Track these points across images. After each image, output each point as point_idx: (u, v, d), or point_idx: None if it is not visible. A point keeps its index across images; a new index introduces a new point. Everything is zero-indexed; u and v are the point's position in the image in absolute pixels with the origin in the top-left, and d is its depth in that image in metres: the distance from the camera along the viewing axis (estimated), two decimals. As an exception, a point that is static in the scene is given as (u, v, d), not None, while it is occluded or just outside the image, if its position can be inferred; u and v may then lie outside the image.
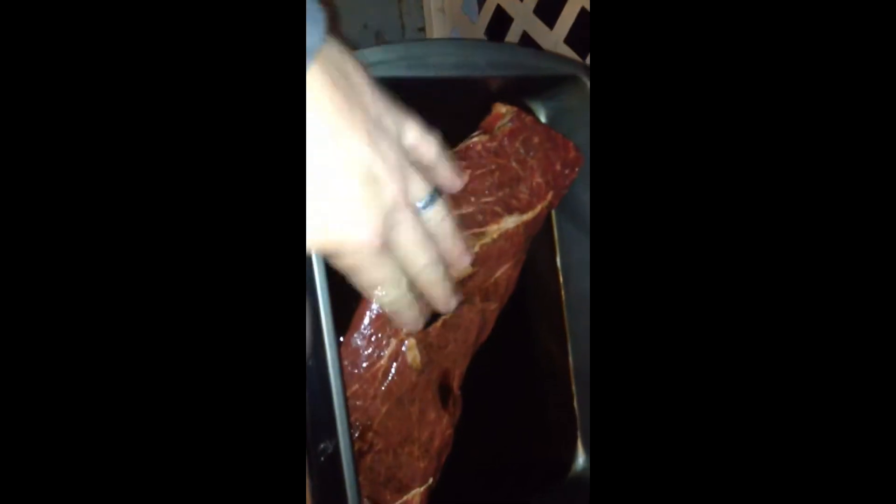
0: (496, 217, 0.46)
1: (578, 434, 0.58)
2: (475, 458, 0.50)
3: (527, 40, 0.59)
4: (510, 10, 0.60)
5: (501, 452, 0.54)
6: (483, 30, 0.64)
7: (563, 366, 0.57)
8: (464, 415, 0.49)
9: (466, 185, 0.45)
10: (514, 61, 0.44)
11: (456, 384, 0.48)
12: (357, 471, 0.41)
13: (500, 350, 0.51)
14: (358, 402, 0.43)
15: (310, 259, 0.37)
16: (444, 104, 0.48)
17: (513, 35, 0.60)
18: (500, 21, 0.60)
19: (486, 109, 0.49)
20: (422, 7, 0.83)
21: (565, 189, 0.51)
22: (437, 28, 0.73)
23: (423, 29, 0.77)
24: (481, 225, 0.46)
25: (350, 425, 0.41)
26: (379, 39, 0.75)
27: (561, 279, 0.56)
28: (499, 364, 0.52)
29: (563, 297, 0.57)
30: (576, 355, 0.57)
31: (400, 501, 0.44)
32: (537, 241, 0.55)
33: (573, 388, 0.57)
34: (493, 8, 0.62)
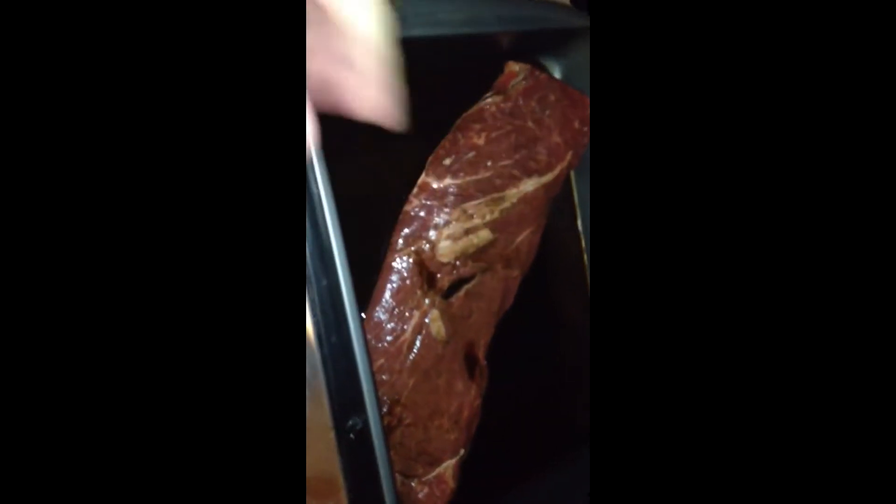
0: (514, 180, 0.45)
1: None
2: (501, 427, 0.49)
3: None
4: None
5: (526, 420, 0.53)
6: None
7: (586, 332, 0.56)
8: (490, 384, 0.48)
9: (482, 150, 0.44)
10: (522, 15, 0.42)
11: (482, 354, 0.47)
12: (388, 446, 0.40)
13: (524, 318, 0.50)
14: (384, 377, 0.42)
15: (329, 233, 0.36)
16: (455, 66, 0.46)
17: None
18: None
19: (499, 70, 0.47)
20: None
21: (584, 147, 0.49)
22: None
23: None
24: (499, 189, 0.44)
25: (378, 400, 0.40)
26: None
27: (583, 243, 0.55)
28: (523, 332, 0.51)
29: (586, 262, 0.55)
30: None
31: (433, 474, 0.43)
32: (558, 207, 0.53)
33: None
34: None
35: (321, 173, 0.37)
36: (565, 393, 0.56)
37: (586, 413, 0.56)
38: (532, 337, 0.52)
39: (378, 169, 0.43)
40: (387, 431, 0.41)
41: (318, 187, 0.37)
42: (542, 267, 0.51)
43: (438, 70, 0.45)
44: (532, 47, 0.48)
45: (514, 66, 0.46)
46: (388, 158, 0.43)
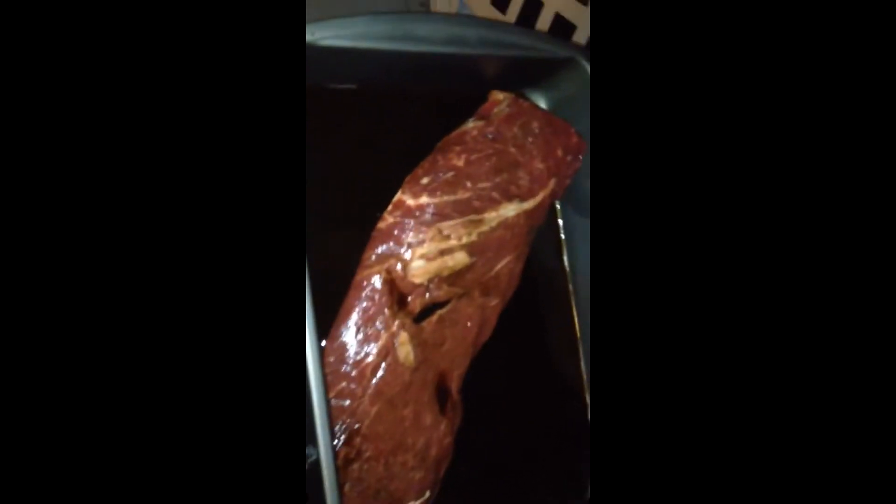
0: (494, 203, 0.44)
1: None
2: (476, 471, 0.46)
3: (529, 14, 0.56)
4: None
5: (505, 467, 0.49)
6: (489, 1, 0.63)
7: (574, 373, 0.52)
8: (465, 425, 0.45)
9: (461, 170, 0.43)
10: (507, 40, 0.42)
11: (455, 387, 0.44)
12: (340, 481, 0.37)
13: (504, 353, 0.48)
14: (345, 403, 0.39)
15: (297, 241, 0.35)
16: (438, 91, 0.46)
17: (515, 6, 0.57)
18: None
19: (483, 98, 0.47)
20: None
21: (569, 178, 0.48)
22: (441, 4, 0.73)
23: (425, 4, 0.77)
24: (478, 211, 0.43)
25: (332, 431, 0.37)
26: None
27: (569, 279, 0.53)
28: (503, 369, 0.48)
29: (572, 299, 0.53)
30: (587, 363, 0.53)
31: (393, 515, 0.40)
32: (543, 239, 0.51)
33: (586, 397, 0.52)
34: None
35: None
36: (550, 441, 0.52)
37: (574, 465, 0.52)
38: (514, 375, 0.49)
39: (354, 185, 0.42)
40: (344, 464, 0.38)
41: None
42: (526, 300, 0.49)
43: (420, 92, 0.45)
44: (517, 77, 0.48)
45: (498, 95, 0.46)
46: (364, 175, 0.42)
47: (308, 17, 0.35)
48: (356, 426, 0.39)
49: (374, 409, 0.39)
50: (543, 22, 0.54)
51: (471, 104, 0.46)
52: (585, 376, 0.52)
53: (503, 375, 0.48)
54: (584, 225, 0.51)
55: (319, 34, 0.33)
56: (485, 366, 0.46)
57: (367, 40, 0.36)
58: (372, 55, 0.37)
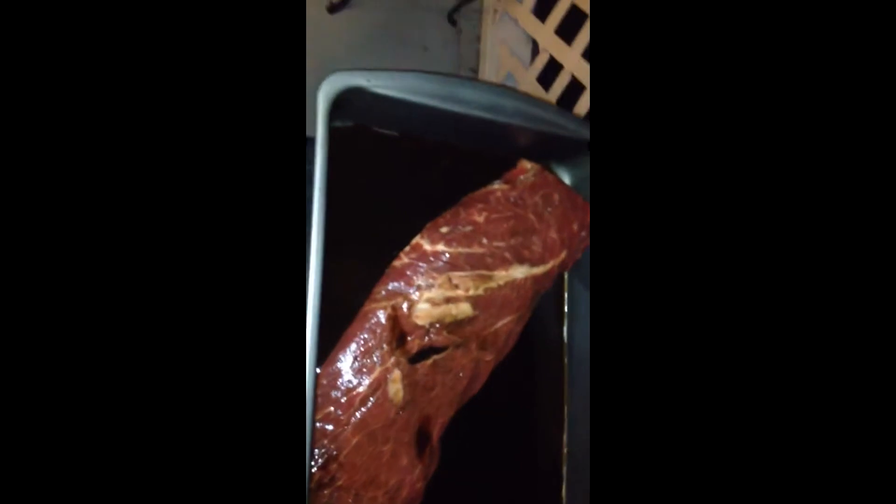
0: (505, 263, 0.46)
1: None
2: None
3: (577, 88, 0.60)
4: (560, 56, 0.62)
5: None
6: (536, 75, 0.67)
7: (554, 445, 0.53)
8: (438, 473, 0.45)
9: (479, 226, 0.45)
10: (541, 116, 0.45)
11: (436, 434, 0.44)
12: (313, 499, 0.37)
13: (489, 411, 0.48)
14: (328, 427, 0.40)
15: (310, 267, 0.37)
16: (471, 150, 0.49)
17: (562, 81, 0.61)
18: (553, 68, 0.62)
19: (512, 164, 0.50)
20: (477, 49, 0.90)
21: (580, 252, 0.50)
22: (490, 71, 0.78)
23: (475, 70, 0.82)
24: (489, 268, 0.45)
25: (313, 451, 0.38)
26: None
27: (565, 351, 0.54)
28: (485, 426, 0.49)
29: (566, 371, 0.54)
30: (571, 438, 0.53)
31: (352, 551, 0.39)
32: (546, 308, 0.53)
33: (563, 471, 0.52)
34: (546, 58, 0.65)
35: (320, 208, 0.38)
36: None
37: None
38: (494, 435, 0.50)
39: (378, 222, 0.45)
40: (316, 487, 0.39)
41: (314, 220, 0.38)
42: (519, 363, 0.50)
43: (454, 148, 0.48)
44: (546, 150, 0.51)
45: (526, 164, 0.49)
46: (390, 215, 0.45)
47: (368, 63, 0.39)
48: (335, 452, 0.40)
49: (354, 440, 0.40)
50: (582, 105, 0.58)
51: (499, 167, 0.49)
52: (566, 450, 0.53)
53: (484, 433, 0.49)
54: (588, 299, 0.53)
55: (374, 82, 0.37)
56: (468, 419, 0.46)
57: (415, 94, 0.39)
58: (417, 108, 0.40)
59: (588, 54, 0.57)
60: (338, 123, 0.38)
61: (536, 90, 0.70)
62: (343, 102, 0.37)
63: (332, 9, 0.88)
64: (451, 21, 0.95)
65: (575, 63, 0.58)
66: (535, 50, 0.81)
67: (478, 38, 0.96)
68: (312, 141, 0.39)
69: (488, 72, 0.88)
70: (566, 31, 0.64)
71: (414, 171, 0.46)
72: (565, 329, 0.54)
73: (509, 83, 0.84)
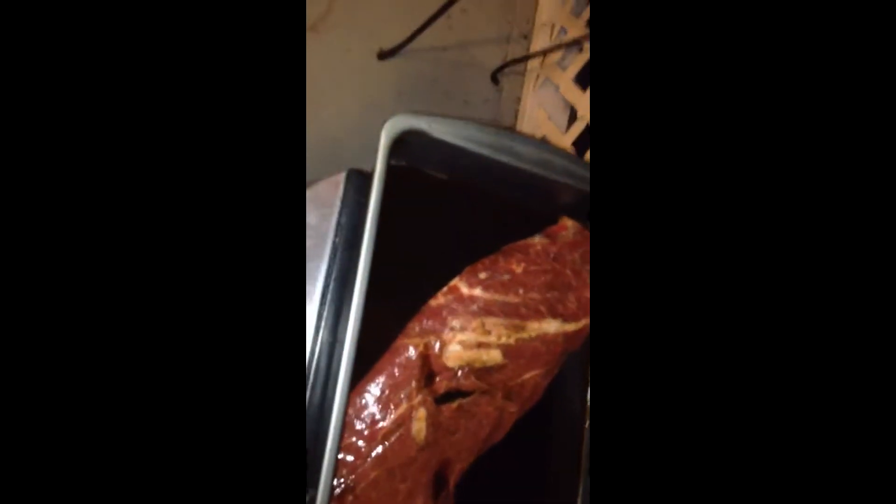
0: (538, 315, 0.46)
1: None
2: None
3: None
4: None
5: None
6: (571, 141, 0.69)
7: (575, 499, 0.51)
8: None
9: (517, 276, 0.46)
10: (586, 175, 0.47)
11: (453, 479, 0.44)
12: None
13: (507, 463, 0.48)
14: (349, 458, 0.40)
15: (353, 295, 0.38)
16: (517, 202, 0.51)
17: None
18: (588, 137, 0.64)
19: (554, 221, 0.51)
20: (516, 109, 0.94)
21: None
22: (528, 126, 0.80)
23: (512, 128, 0.85)
24: (522, 318, 0.46)
25: (333, 479, 0.38)
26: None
27: (588, 414, 0.53)
28: (502, 478, 0.48)
29: (586, 435, 0.53)
30: (585, 499, 0.52)
31: (358, 590, 0.39)
32: (574, 368, 0.53)
33: (576, 536, 0.51)
34: (583, 127, 0.67)
35: (370, 238, 0.39)
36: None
37: None
38: (511, 488, 0.49)
39: (419, 260, 0.46)
40: (329, 518, 0.38)
41: (363, 250, 0.39)
42: (542, 419, 0.50)
43: (500, 199, 0.49)
44: (587, 211, 0.52)
45: (567, 221, 0.50)
46: (431, 254, 0.46)
47: (419, 108, 0.41)
48: (352, 485, 0.39)
49: (373, 474, 0.40)
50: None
51: (541, 222, 0.50)
52: (580, 513, 0.51)
53: (501, 485, 0.48)
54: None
55: (435, 126, 0.39)
56: (486, 468, 0.46)
57: (470, 143, 0.41)
58: (470, 156, 0.42)
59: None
60: (393, 162, 0.40)
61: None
62: (401, 143, 0.39)
63: (382, 56, 0.92)
64: (494, 80, 0.99)
65: (568, 87, 0.60)
66: (573, 117, 0.84)
67: (518, 100, 1.00)
68: (370, 175, 0.40)
69: (526, 126, 0.91)
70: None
71: (459, 216, 0.47)
72: (590, 392, 0.54)
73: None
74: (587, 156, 0.67)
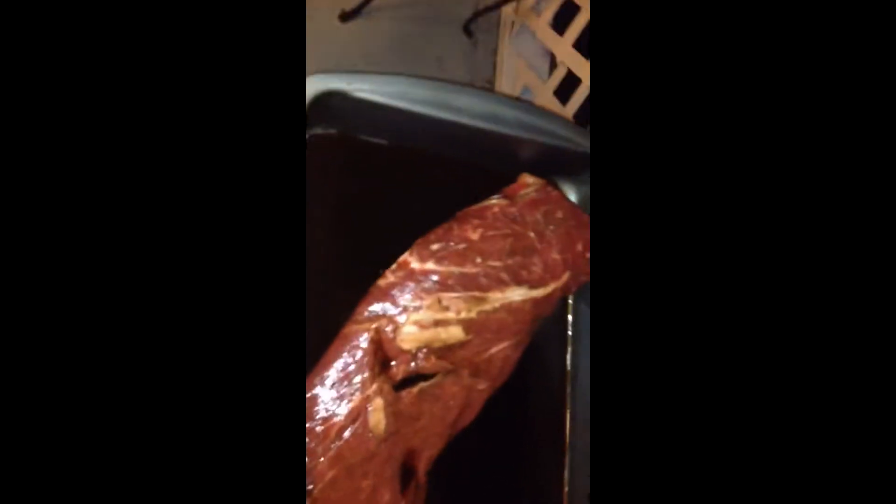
0: (501, 284, 0.42)
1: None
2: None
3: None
4: (577, 70, 0.60)
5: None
6: (553, 89, 0.65)
7: (556, 484, 0.49)
8: (426, 512, 0.41)
9: (474, 244, 0.42)
10: (544, 127, 0.42)
11: (422, 469, 0.41)
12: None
13: (482, 445, 0.45)
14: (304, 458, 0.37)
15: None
16: (468, 162, 0.46)
17: (580, 95, 0.59)
18: (571, 81, 0.61)
19: (512, 179, 0.47)
20: (493, 62, 0.88)
21: (585, 275, 0.46)
22: (506, 84, 0.75)
23: (491, 82, 0.80)
24: (483, 289, 0.42)
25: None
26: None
27: (569, 380, 0.50)
28: (478, 461, 0.45)
29: (568, 402, 0.50)
30: (573, 474, 0.49)
31: None
32: (548, 334, 0.49)
33: (565, 511, 0.48)
34: (564, 72, 0.64)
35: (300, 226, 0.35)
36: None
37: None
38: (488, 471, 0.46)
39: (364, 237, 0.42)
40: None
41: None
42: (517, 393, 0.46)
43: (449, 160, 0.45)
44: (550, 165, 0.47)
45: (527, 178, 0.46)
46: (377, 229, 0.42)
47: (389, 68, 0.36)
48: (309, 487, 0.37)
49: (330, 474, 0.37)
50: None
51: (499, 182, 0.46)
52: (567, 488, 0.49)
53: (476, 469, 0.45)
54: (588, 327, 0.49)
55: (356, 86, 0.34)
56: (459, 453, 0.43)
57: (403, 100, 0.36)
58: (406, 116, 0.37)
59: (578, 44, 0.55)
60: (319, 130, 0.35)
61: (553, 104, 0.67)
62: (324, 107, 0.34)
63: (345, 17, 0.87)
64: (468, 32, 0.93)
65: (568, 55, 0.56)
66: (553, 63, 0.79)
67: (494, 51, 0.94)
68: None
69: (504, 85, 0.86)
70: (585, 45, 0.62)
71: (404, 184, 0.43)
72: (568, 357, 0.50)
73: (525, 97, 0.82)
74: (570, 104, 0.62)
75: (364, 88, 0.35)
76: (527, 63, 0.82)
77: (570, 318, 0.50)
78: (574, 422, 0.50)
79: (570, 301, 0.50)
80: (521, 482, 0.47)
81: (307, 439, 0.37)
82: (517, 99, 0.42)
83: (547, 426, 0.49)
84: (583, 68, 0.59)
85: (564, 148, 0.44)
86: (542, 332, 0.47)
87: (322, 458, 0.37)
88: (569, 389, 0.50)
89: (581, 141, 0.44)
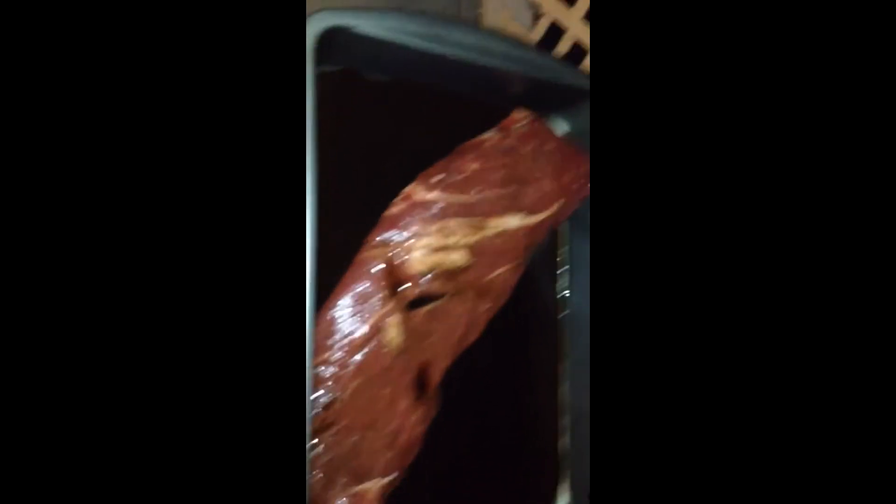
0: (498, 212, 0.46)
1: (560, 475, 0.53)
2: (442, 469, 0.46)
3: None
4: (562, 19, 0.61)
5: (474, 477, 0.49)
6: (537, 40, 0.66)
7: (549, 398, 0.53)
8: (437, 421, 0.46)
9: (472, 175, 0.45)
10: (535, 62, 0.45)
11: (434, 380, 0.45)
12: (314, 440, 0.38)
13: (486, 361, 0.49)
14: (328, 371, 0.41)
15: (305, 217, 0.37)
16: (465, 99, 0.49)
17: (564, 46, 0.61)
18: (555, 33, 0.62)
19: (508, 113, 0.50)
20: (476, 14, 0.89)
21: (575, 205, 0.50)
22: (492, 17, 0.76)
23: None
24: (483, 216, 0.45)
25: (313, 396, 0.39)
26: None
27: (561, 306, 0.54)
28: (483, 376, 0.49)
29: (561, 327, 0.54)
30: (573, 389, 0.54)
31: (356, 489, 0.40)
32: (542, 262, 0.53)
33: (564, 422, 0.53)
34: (548, 23, 0.64)
35: (312, 155, 0.38)
36: (520, 459, 0.52)
37: (539, 484, 0.53)
38: (492, 385, 0.50)
39: (370, 171, 0.45)
40: (318, 430, 0.40)
41: (307, 169, 0.38)
42: (515, 317, 0.50)
43: (447, 97, 0.48)
44: (542, 100, 0.50)
45: (519, 113, 0.49)
46: (382, 163, 0.45)
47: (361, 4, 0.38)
48: (335, 396, 0.41)
49: (354, 383, 0.41)
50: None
51: (495, 117, 0.49)
52: (560, 401, 0.53)
53: (482, 383, 0.49)
54: (584, 254, 0.53)
55: (360, 21, 0.37)
56: (466, 369, 0.47)
57: (402, 35, 0.39)
58: (405, 51, 0.40)
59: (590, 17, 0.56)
60: (325, 68, 0.38)
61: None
62: (328, 44, 0.37)
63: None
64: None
65: (577, 27, 0.58)
66: (537, 14, 0.80)
67: (479, 2, 0.95)
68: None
69: (490, 17, 0.86)
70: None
71: (406, 120, 0.46)
72: (561, 284, 0.54)
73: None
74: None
75: (368, 24, 0.37)
76: (511, 14, 0.83)
77: (565, 247, 0.54)
78: (570, 340, 0.54)
79: (565, 229, 0.54)
80: (520, 395, 0.51)
81: (331, 353, 0.41)
82: (505, 34, 0.45)
83: (542, 347, 0.53)
84: (566, 17, 0.61)
85: (555, 83, 0.47)
86: (537, 262, 0.51)
87: (346, 370, 0.41)
88: (561, 315, 0.54)
89: (570, 75, 0.47)
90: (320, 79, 0.37)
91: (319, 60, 0.37)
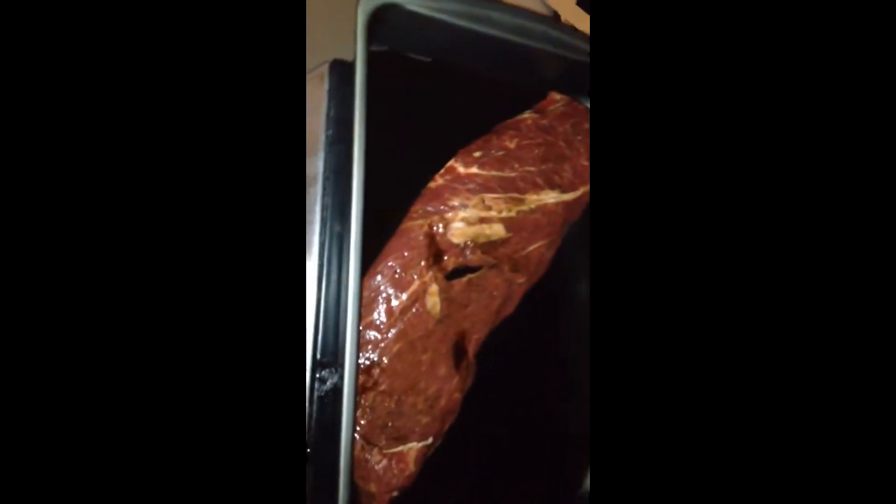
0: (536, 188, 0.47)
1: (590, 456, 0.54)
2: (477, 437, 0.47)
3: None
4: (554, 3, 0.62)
5: (506, 454, 0.50)
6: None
7: (581, 372, 0.54)
8: (474, 390, 0.47)
9: (511, 152, 0.47)
10: (568, 42, 0.46)
11: (472, 349, 0.46)
12: (356, 402, 0.40)
13: (521, 334, 0.50)
14: (371, 335, 0.42)
15: (352, 187, 0.39)
16: (505, 81, 0.51)
17: None
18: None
19: (545, 97, 0.51)
20: None
21: (609, 183, 0.51)
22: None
23: None
24: (520, 191, 0.47)
25: (357, 357, 0.40)
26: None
27: (588, 282, 0.55)
28: (519, 350, 0.50)
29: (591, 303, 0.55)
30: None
31: (395, 450, 0.42)
32: (577, 239, 0.54)
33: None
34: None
35: (361, 129, 0.40)
36: (550, 438, 0.53)
37: (567, 462, 0.54)
38: (527, 356, 0.51)
39: (414, 147, 0.47)
40: (360, 391, 0.41)
41: (355, 142, 0.40)
42: (549, 292, 0.51)
43: (488, 78, 0.50)
44: (578, 83, 0.52)
45: (555, 95, 0.50)
46: (425, 139, 0.47)
47: None
48: (377, 359, 0.42)
49: (396, 347, 0.42)
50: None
51: (531, 100, 0.50)
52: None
53: (517, 354, 0.50)
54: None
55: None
56: (502, 340, 0.48)
57: (445, 14, 0.41)
58: (449, 30, 0.42)
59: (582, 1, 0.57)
60: (373, 48, 0.40)
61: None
62: (380, 22, 0.39)
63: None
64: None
65: (570, 11, 0.58)
66: (557, 17, 0.81)
67: None
68: (351, 65, 0.41)
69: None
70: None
71: (448, 100, 0.48)
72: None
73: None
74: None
75: (416, 2, 0.39)
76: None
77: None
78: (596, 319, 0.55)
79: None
80: (553, 369, 0.52)
81: (375, 317, 0.42)
82: (543, 15, 0.47)
83: (573, 323, 0.54)
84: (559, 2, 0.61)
85: (585, 62, 0.48)
86: (572, 238, 0.52)
87: (389, 334, 0.42)
88: (591, 290, 0.55)
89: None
90: (370, 58, 0.39)
91: (371, 39, 0.39)
